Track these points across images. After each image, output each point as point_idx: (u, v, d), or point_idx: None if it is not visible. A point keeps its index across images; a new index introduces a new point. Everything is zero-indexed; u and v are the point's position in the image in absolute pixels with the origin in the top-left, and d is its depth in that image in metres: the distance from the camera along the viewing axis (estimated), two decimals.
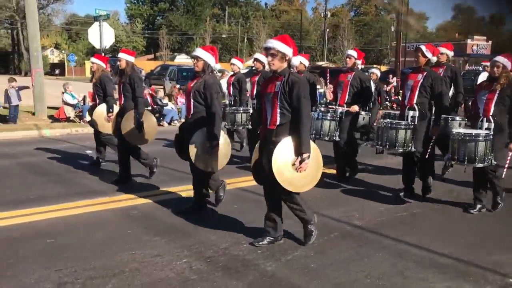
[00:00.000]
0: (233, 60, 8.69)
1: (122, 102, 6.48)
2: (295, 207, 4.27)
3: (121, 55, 6.47)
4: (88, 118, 8.15)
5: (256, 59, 8.12)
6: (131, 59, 6.46)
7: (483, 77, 7.22)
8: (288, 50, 4.05)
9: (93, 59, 7.53)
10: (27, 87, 13.28)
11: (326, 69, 19.51)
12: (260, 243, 4.31)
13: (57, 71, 50.27)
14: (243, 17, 66.02)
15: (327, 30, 56.06)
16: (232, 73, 8.58)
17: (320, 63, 40.82)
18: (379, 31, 65.76)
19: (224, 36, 60.87)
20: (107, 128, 7.24)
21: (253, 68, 8.41)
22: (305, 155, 3.97)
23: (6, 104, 12.88)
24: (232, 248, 4.29)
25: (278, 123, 4.08)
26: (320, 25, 65.11)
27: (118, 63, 6.52)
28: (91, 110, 7.73)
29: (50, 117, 13.24)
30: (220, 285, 3.59)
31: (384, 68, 37.73)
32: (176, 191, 6.16)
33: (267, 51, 4.08)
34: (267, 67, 8.22)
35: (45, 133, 11.31)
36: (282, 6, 73.78)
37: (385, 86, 16.30)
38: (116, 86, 6.96)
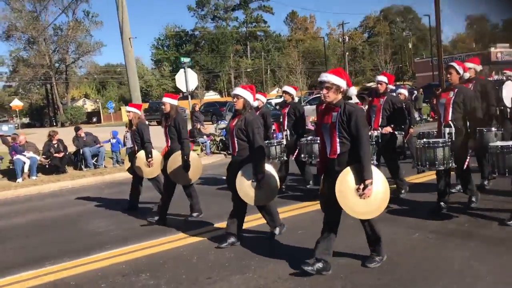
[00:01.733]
0: (257, 95, 8.70)
1: (169, 144, 6.75)
2: (372, 231, 4.36)
3: (165, 99, 6.71)
4: (127, 164, 8.32)
5: (285, 91, 8.35)
6: (175, 102, 6.72)
7: (507, 86, 7.19)
8: (342, 82, 4.18)
9: (128, 108, 7.77)
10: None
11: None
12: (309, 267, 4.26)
13: (94, 119, 52.19)
14: (264, 50, 67.18)
15: (347, 53, 56.44)
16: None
17: (369, 84, 40.75)
18: (397, 49, 65.69)
19: (248, 70, 61.99)
20: (149, 173, 7.50)
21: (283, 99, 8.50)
22: (367, 181, 4.03)
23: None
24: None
25: (338, 152, 4.18)
26: (336, 49, 65.48)
27: (163, 107, 6.77)
28: (130, 156, 7.95)
29: None
30: None
31: (407, 83, 37.62)
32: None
33: (322, 84, 4.22)
34: (296, 98, 8.50)
35: None
36: (298, 36, 74.89)
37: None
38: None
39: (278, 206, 6.72)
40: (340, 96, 4.21)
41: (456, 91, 5.92)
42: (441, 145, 5.70)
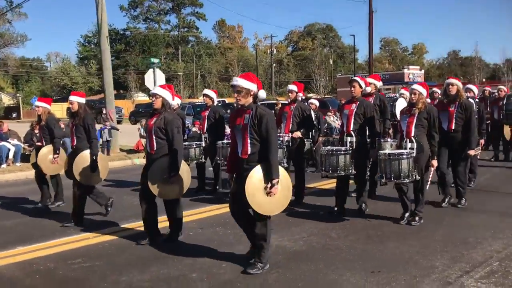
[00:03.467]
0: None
1: (75, 143, 6.44)
2: (261, 237, 4.40)
3: (72, 97, 6.43)
4: (32, 159, 7.88)
5: (205, 95, 8.36)
6: (82, 101, 6.45)
7: (399, 103, 7.89)
8: (252, 86, 4.34)
9: (37, 103, 7.39)
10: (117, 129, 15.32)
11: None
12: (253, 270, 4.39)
13: (14, 115, 48.76)
14: (196, 55, 66.97)
15: (273, 65, 57.84)
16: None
17: (310, 95, 41.93)
18: (319, 64, 68.52)
19: (180, 73, 61.39)
20: (52, 170, 7.29)
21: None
22: (274, 181, 4.20)
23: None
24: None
25: (249, 152, 4.31)
26: (262, 60, 67.00)
27: (70, 105, 6.49)
28: (36, 151, 7.55)
29: (122, 150, 15.39)
30: None
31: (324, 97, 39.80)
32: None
33: (234, 88, 4.38)
34: (215, 102, 8.63)
35: (135, 162, 13.30)
36: (226, 44, 75.60)
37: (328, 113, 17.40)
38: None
39: (190, 208, 6.87)
40: (251, 99, 4.36)
41: (358, 103, 6.37)
42: (343, 152, 6.12)
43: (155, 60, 16.53)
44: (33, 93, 58.31)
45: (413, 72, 46.65)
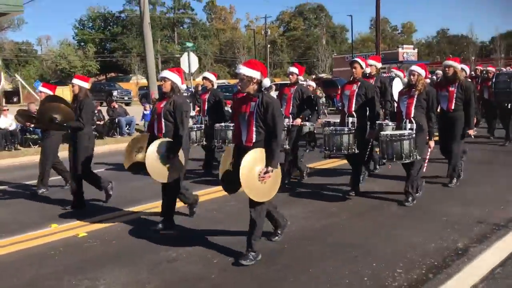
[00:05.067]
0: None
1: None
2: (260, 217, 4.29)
3: (74, 80, 6.34)
4: None
5: (205, 78, 8.30)
6: (84, 85, 6.34)
7: (396, 83, 7.86)
8: (255, 73, 4.22)
9: (41, 88, 7.39)
10: None
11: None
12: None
13: (15, 99, 48.19)
14: (192, 37, 66.16)
15: (268, 46, 57.25)
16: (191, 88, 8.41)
17: (322, 75, 41.69)
18: (310, 44, 67.98)
19: (176, 56, 60.78)
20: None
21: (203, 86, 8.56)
22: (270, 168, 4.11)
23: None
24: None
25: (254, 140, 4.23)
26: (256, 42, 66.22)
27: (72, 88, 6.41)
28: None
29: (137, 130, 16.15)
30: None
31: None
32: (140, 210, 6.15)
33: (238, 76, 4.30)
34: (215, 85, 8.58)
35: None
36: (218, 25, 74.49)
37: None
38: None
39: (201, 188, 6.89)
40: (256, 87, 4.25)
41: (359, 84, 6.32)
42: (346, 132, 6.11)
43: (190, 44, 18.32)
44: (32, 77, 57.59)
45: (407, 52, 46.34)
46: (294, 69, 7.34)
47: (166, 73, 5.23)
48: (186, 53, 17.51)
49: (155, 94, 16.11)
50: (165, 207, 5.34)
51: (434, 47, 76.20)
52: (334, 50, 62.40)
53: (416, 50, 50.11)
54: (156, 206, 5.98)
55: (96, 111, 13.68)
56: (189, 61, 17.12)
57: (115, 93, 33.23)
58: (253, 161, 4.11)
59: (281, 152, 5.73)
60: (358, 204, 6.11)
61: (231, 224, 5.35)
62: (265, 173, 4.10)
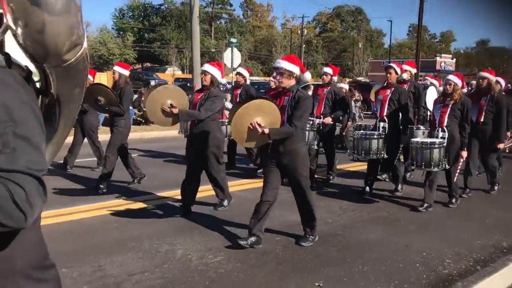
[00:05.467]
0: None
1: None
2: (309, 210, 4.48)
3: (116, 67, 6.51)
4: None
5: (238, 73, 8.44)
6: (125, 72, 6.50)
7: (430, 91, 7.76)
8: (295, 69, 4.29)
9: None
10: None
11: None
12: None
13: None
14: (228, 32, 66.50)
15: (303, 45, 56.98)
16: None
17: (359, 78, 41.57)
18: (346, 47, 67.25)
19: (213, 50, 61.26)
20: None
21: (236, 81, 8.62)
22: (266, 131, 4.11)
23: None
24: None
25: None
26: (292, 41, 65.89)
27: (112, 75, 6.60)
28: None
29: None
30: None
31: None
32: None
33: (276, 70, 4.36)
34: (248, 81, 8.66)
35: None
36: (254, 22, 74.38)
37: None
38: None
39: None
40: (293, 82, 4.30)
41: (393, 89, 6.31)
42: (376, 137, 6.09)
43: (234, 40, 18.91)
44: None
45: (445, 61, 45.44)
46: (328, 70, 7.32)
47: (207, 67, 5.34)
48: (229, 48, 18.21)
49: (198, 86, 16.20)
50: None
51: (473, 58, 74.28)
52: (370, 54, 61.65)
53: (454, 60, 49.06)
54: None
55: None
56: (232, 57, 17.79)
57: (152, 82, 33.82)
58: (259, 110, 4.18)
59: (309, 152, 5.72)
60: (404, 203, 6.26)
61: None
62: (258, 124, 4.12)
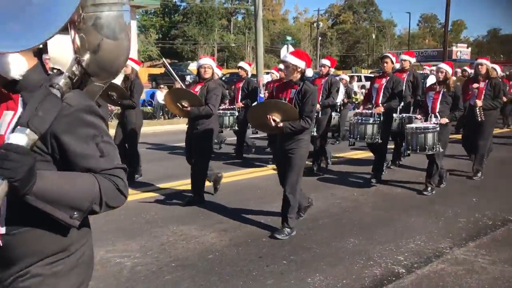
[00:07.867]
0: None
1: None
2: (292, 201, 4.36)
3: (129, 62, 6.46)
4: None
5: (240, 67, 8.45)
6: (136, 67, 6.60)
7: (430, 80, 7.72)
8: (300, 63, 4.28)
9: None
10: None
11: None
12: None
13: None
14: (246, 27, 66.29)
15: (319, 38, 56.38)
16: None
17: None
18: (359, 38, 66.24)
19: (233, 45, 61.29)
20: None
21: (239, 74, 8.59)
22: (280, 125, 4.22)
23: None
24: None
25: None
26: (304, 33, 65.05)
27: (125, 68, 6.51)
28: None
29: None
30: None
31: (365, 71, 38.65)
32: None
33: (283, 63, 4.42)
34: (249, 74, 8.68)
35: None
36: (268, 16, 73.62)
37: None
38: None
39: (227, 170, 7.03)
40: (299, 76, 4.31)
41: (388, 78, 6.33)
42: (371, 122, 6.12)
43: (289, 38, 20.03)
44: None
45: (461, 50, 44.15)
46: (326, 62, 7.36)
47: (208, 61, 5.41)
48: (285, 46, 18.82)
49: (262, 81, 15.68)
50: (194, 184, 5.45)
51: (485, 46, 72.22)
52: (382, 45, 60.62)
53: (469, 49, 47.53)
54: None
55: None
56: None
57: (187, 78, 33.69)
58: (277, 111, 4.27)
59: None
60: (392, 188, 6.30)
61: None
62: (273, 120, 4.22)
